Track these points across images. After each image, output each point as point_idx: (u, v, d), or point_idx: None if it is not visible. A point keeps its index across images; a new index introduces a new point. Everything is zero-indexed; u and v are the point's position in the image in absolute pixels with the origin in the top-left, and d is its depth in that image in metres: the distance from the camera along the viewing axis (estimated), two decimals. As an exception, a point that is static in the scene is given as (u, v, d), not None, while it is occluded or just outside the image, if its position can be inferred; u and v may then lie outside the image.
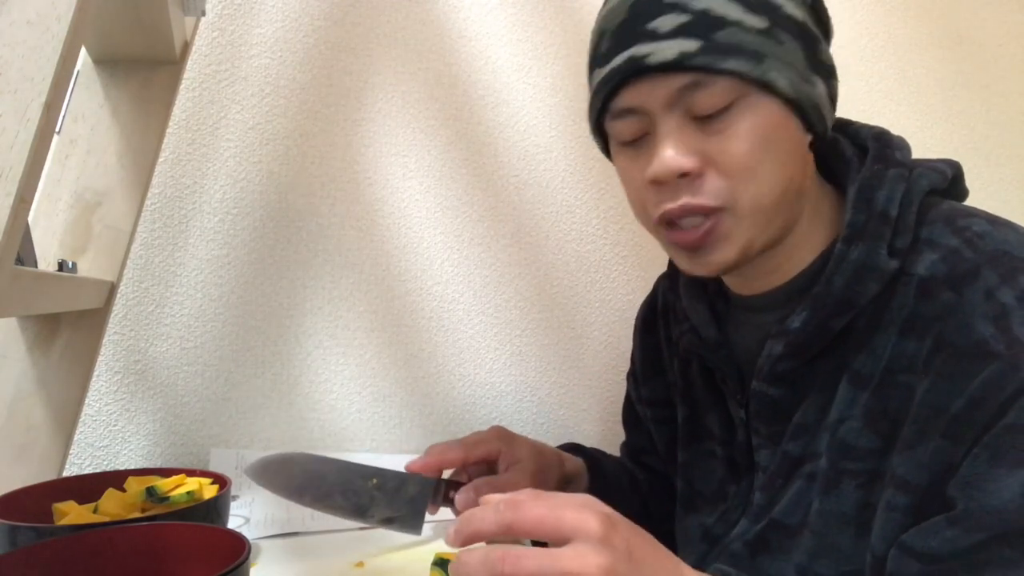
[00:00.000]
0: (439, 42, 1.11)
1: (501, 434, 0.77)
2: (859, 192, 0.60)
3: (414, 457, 1.08)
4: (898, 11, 1.34)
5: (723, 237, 0.59)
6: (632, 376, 0.88)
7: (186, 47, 0.90)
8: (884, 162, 0.61)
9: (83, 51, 0.83)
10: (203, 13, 0.88)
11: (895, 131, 0.66)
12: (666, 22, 0.56)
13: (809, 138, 0.61)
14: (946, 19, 1.37)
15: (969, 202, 0.65)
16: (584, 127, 1.19)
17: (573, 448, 0.88)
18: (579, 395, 1.17)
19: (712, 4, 0.55)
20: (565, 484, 0.80)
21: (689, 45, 0.55)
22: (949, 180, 0.62)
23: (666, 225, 0.60)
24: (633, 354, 0.88)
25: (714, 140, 0.57)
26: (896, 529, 0.54)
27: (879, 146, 0.63)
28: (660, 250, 0.66)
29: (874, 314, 0.58)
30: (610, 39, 0.60)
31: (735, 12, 0.55)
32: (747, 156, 0.56)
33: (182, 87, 0.96)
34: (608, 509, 0.46)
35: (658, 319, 0.83)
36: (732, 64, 0.55)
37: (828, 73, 0.61)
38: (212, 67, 1.02)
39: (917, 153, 0.65)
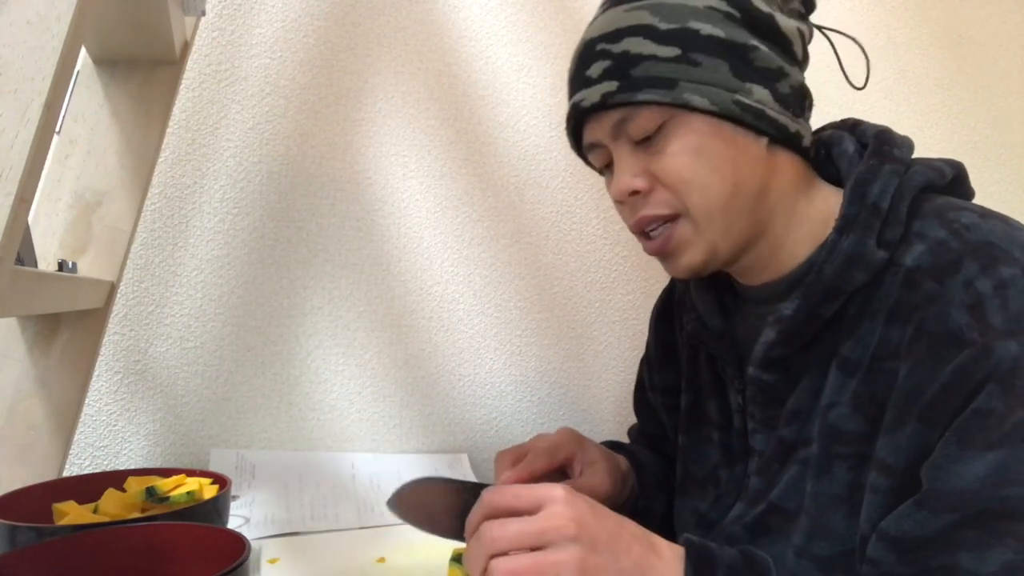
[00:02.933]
0: (439, 42, 1.11)
1: (574, 437, 0.78)
2: (854, 186, 0.62)
3: (415, 457, 1.09)
4: (898, 11, 1.34)
5: (684, 242, 0.65)
6: (647, 362, 0.89)
7: (186, 47, 0.90)
8: (880, 158, 0.63)
9: (83, 51, 0.83)
10: (203, 13, 0.88)
11: (895, 131, 0.67)
12: (596, 68, 0.64)
13: (764, 140, 0.63)
14: (946, 19, 1.37)
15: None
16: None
17: (613, 446, 0.89)
18: (579, 395, 1.17)
19: (628, 45, 0.62)
20: (623, 482, 0.80)
21: (610, 86, 0.63)
22: (949, 179, 0.64)
23: (639, 236, 0.68)
24: (648, 341, 0.89)
25: (655, 160, 0.63)
26: (879, 510, 0.56)
27: (878, 143, 0.64)
28: (660, 250, 0.67)
29: (863, 303, 0.60)
30: (568, 86, 0.68)
31: (648, 48, 0.61)
32: (682, 169, 0.62)
33: (182, 87, 0.96)
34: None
35: (673, 308, 0.84)
36: (645, 95, 0.61)
37: (771, 76, 0.63)
38: (212, 67, 1.02)
39: (916, 153, 0.66)
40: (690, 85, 0.61)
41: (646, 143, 0.64)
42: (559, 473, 0.76)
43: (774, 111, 0.63)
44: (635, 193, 0.65)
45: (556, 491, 0.54)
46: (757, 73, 0.63)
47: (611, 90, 0.62)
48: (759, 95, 0.62)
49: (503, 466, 0.74)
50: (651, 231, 0.66)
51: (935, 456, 0.53)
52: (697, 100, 0.61)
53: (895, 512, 0.54)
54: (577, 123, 0.68)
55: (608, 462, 0.77)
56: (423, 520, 0.67)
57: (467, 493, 0.67)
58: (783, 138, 0.64)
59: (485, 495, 0.56)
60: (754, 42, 0.62)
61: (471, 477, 1.05)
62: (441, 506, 0.66)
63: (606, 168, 0.69)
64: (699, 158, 0.62)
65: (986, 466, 0.51)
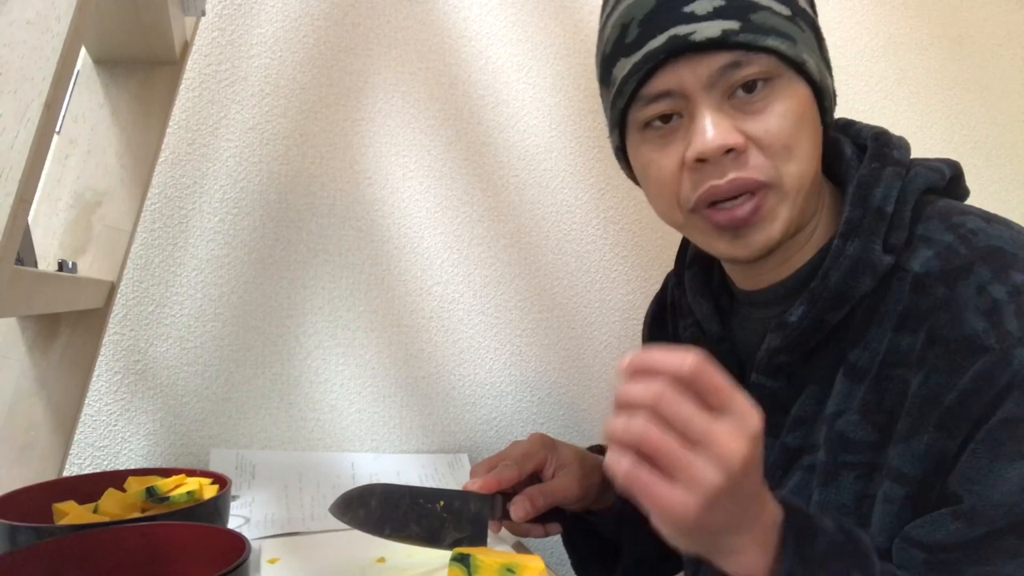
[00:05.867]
0: (439, 42, 1.11)
1: (544, 442, 0.77)
2: (856, 189, 0.61)
3: (414, 457, 1.08)
4: (898, 11, 1.34)
5: (769, 215, 0.59)
6: None
7: (186, 47, 0.90)
8: (881, 160, 0.62)
9: (83, 51, 0.83)
10: (203, 13, 0.88)
11: (895, 131, 0.67)
12: (703, 5, 0.57)
13: (821, 129, 0.63)
14: (946, 19, 1.37)
15: (969, 202, 0.65)
16: (584, 127, 1.19)
17: (600, 450, 0.88)
18: (579, 395, 1.17)
19: None
20: (606, 486, 0.80)
21: (731, 25, 0.57)
22: (947, 180, 0.64)
23: (708, 206, 0.61)
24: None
25: (752, 119, 0.58)
26: (893, 520, 0.55)
27: (877, 145, 0.64)
28: (660, 250, 0.67)
29: (870, 308, 0.59)
30: (640, 26, 0.60)
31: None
32: (787, 134, 0.58)
33: (182, 87, 0.96)
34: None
35: (666, 315, 0.84)
36: (772, 42, 0.57)
37: (830, 70, 0.64)
38: (212, 67, 1.02)
39: (917, 153, 0.66)
40: (804, 48, 0.59)
41: (742, 99, 0.58)
42: (531, 479, 0.76)
43: (833, 103, 0.64)
44: (730, 151, 0.58)
45: (755, 419, 0.46)
46: (827, 63, 0.63)
47: (733, 28, 0.57)
48: (829, 83, 0.63)
49: (475, 476, 0.74)
50: (724, 201, 0.59)
51: (965, 468, 0.52)
52: (811, 64, 0.59)
53: (925, 519, 0.53)
54: (658, 64, 0.59)
55: (581, 466, 0.76)
56: (370, 524, 0.68)
57: (413, 496, 0.69)
58: (827, 132, 0.64)
59: (696, 357, 0.46)
60: (822, 34, 0.63)
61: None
62: (389, 507, 0.67)
63: (659, 131, 0.62)
64: (801, 126, 0.59)
65: (1020, 475, 0.50)
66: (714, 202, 0.60)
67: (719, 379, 0.46)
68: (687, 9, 0.58)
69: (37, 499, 0.65)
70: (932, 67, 1.36)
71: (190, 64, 0.97)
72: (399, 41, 1.09)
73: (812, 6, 0.64)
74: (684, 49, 0.58)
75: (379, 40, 1.08)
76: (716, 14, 0.57)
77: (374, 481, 0.99)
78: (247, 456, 1.01)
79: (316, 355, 1.06)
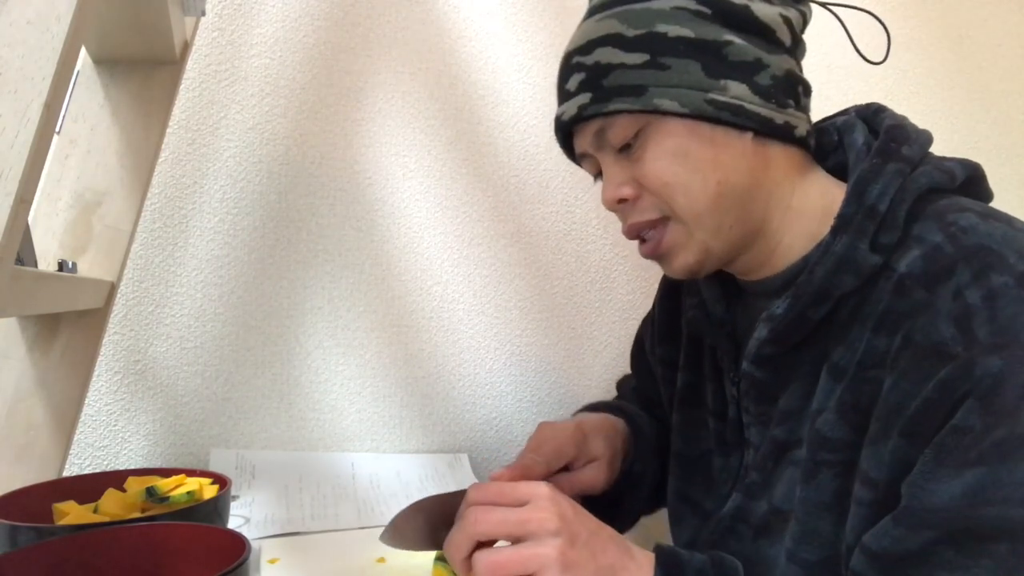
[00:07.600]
0: (439, 42, 1.11)
1: (576, 439, 0.75)
2: (854, 185, 0.60)
3: (414, 457, 1.08)
4: (898, 11, 1.34)
5: (676, 245, 0.65)
6: (651, 325, 0.87)
7: (186, 47, 0.90)
8: (885, 156, 0.60)
9: (83, 51, 0.83)
10: (203, 13, 0.88)
11: (911, 125, 0.64)
12: (573, 81, 0.65)
13: (748, 135, 0.62)
14: (946, 19, 1.38)
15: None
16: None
17: (613, 408, 0.86)
18: (579, 395, 1.17)
19: (599, 56, 0.62)
20: (622, 451, 0.80)
21: (584, 99, 0.63)
22: (959, 181, 0.62)
23: (635, 239, 0.68)
24: (654, 308, 0.87)
25: (636, 166, 0.64)
26: (862, 522, 0.56)
27: (886, 139, 0.62)
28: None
29: (855, 307, 0.59)
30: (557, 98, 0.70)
31: (617, 57, 0.62)
32: (662, 173, 0.62)
33: (182, 87, 0.96)
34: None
35: (680, 287, 0.83)
36: (616, 104, 0.62)
37: (747, 69, 0.61)
38: (212, 67, 1.02)
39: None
40: (659, 90, 0.61)
41: (627, 151, 0.64)
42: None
43: (754, 104, 0.61)
44: (623, 201, 0.65)
45: (541, 488, 0.56)
46: (732, 68, 0.61)
47: (585, 102, 0.63)
48: (736, 90, 0.61)
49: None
50: (644, 235, 0.66)
51: (914, 472, 0.52)
52: (667, 104, 0.60)
53: (875, 527, 0.54)
54: (565, 135, 0.69)
55: (610, 449, 0.76)
56: (424, 540, 0.67)
57: (460, 497, 0.67)
58: (769, 131, 0.62)
59: (471, 491, 0.58)
60: (728, 36, 0.61)
61: (471, 477, 1.05)
62: (439, 518, 0.66)
63: (598, 176, 0.70)
64: (678, 160, 0.62)
65: (963, 485, 0.50)
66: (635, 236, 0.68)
67: (497, 487, 0.57)
68: (566, 86, 0.65)
69: (37, 499, 0.65)
70: (932, 67, 1.36)
71: (190, 64, 0.97)
72: (399, 41, 1.09)
73: (714, 17, 0.61)
74: (566, 127, 0.67)
75: (379, 40, 1.08)
76: (579, 88, 0.64)
77: (374, 481, 1.00)
78: (247, 456, 1.01)
79: (316, 355, 1.06)
